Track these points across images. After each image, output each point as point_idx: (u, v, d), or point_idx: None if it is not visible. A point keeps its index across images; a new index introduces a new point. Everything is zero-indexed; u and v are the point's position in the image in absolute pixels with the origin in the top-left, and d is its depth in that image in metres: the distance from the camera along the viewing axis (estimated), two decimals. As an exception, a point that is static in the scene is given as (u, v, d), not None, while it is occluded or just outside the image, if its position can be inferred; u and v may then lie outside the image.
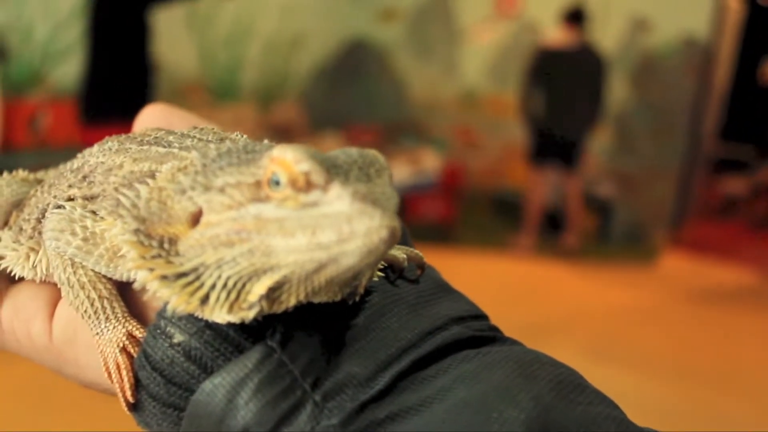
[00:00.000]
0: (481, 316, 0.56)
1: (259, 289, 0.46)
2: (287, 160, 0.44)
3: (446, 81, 8.59)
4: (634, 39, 7.25)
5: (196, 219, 0.49)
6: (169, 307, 0.48)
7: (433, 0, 8.57)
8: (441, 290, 0.57)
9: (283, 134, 7.59)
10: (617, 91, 6.93)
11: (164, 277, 0.48)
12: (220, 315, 0.46)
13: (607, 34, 6.60)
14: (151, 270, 0.48)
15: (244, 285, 0.46)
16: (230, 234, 0.46)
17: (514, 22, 8.07)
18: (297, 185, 0.44)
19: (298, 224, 0.44)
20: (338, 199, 0.43)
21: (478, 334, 0.53)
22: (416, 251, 0.60)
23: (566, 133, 6.08)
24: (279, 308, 0.47)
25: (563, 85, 5.99)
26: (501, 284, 5.43)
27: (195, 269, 0.47)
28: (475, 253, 6.25)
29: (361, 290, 0.50)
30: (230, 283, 0.46)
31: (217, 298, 0.46)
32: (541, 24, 7.70)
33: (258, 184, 0.46)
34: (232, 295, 0.46)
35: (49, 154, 5.40)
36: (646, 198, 7.19)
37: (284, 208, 0.45)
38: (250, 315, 0.46)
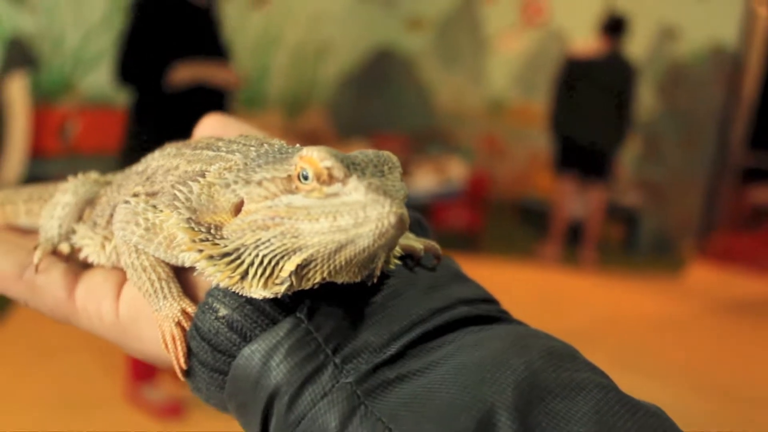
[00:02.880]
0: (491, 301, 0.63)
1: (289, 266, 0.54)
2: (313, 157, 0.53)
3: (472, 90, 8.60)
4: (663, 47, 7.22)
5: (237, 209, 0.57)
6: (215, 281, 0.57)
7: (460, 9, 8.59)
8: (455, 277, 0.64)
9: (310, 142, 7.55)
10: (645, 99, 6.90)
11: (211, 257, 0.57)
12: (256, 290, 0.55)
13: (635, 43, 6.57)
14: (201, 251, 0.58)
15: (277, 262, 0.55)
16: (266, 219, 0.54)
17: (540, 30, 8.07)
18: (321, 179, 0.53)
19: (321, 211, 0.52)
20: (355, 190, 0.52)
21: (484, 314, 0.59)
22: (433, 242, 0.66)
23: (594, 144, 6.03)
24: (306, 285, 0.55)
25: (593, 94, 5.93)
26: (527, 293, 5.41)
27: (237, 249, 0.56)
28: (501, 261, 6.24)
29: (378, 272, 0.57)
30: (266, 261, 0.55)
31: (255, 274, 0.55)
32: (568, 32, 7.69)
33: (289, 179, 0.54)
34: (267, 271, 0.55)
35: (79, 161, 5.45)
36: (673, 208, 7.15)
37: (310, 198, 0.53)
38: (281, 289, 0.55)
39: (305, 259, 0.53)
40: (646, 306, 5.55)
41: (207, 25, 3.48)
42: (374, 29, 8.80)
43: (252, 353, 0.55)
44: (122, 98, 6.10)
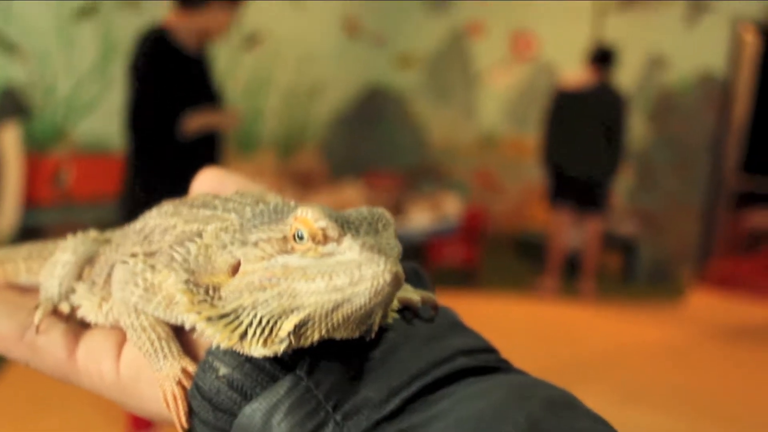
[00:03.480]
0: (491, 350, 0.62)
1: (287, 326, 0.54)
2: (308, 218, 0.54)
3: (465, 125, 8.65)
4: (652, 76, 7.28)
5: (235, 269, 0.58)
6: (214, 343, 0.57)
7: (449, 45, 8.66)
8: (454, 328, 0.63)
9: (304, 183, 7.64)
10: (637, 128, 6.94)
11: (209, 318, 0.58)
12: (256, 349, 0.55)
13: (624, 72, 6.62)
14: (199, 313, 0.58)
15: (275, 322, 0.55)
16: (263, 280, 0.55)
17: (530, 64, 8.14)
18: (316, 239, 0.53)
19: (317, 271, 0.53)
20: (350, 249, 0.52)
21: (483, 365, 0.59)
22: (431, 294, 0.66)
23: (588, 175, 6.04)
24: (305, 343, 0.55)
25: (583, 125, 5.95)
26: (527, 327, 5.39)
27: (235, 310, 0.57)
28: (500, 296, 6.22)
29: (375, 328, 0.57)
30: (264, 321, 0.55)
31: (254, 334, 0.55)
32: (557, 65, 7.75)
33: (285, 239, 0.55)
34: (266, 331, 0.55)
35: (73, 209, 5.45)
36: (670, 235, 7.15)
37: (306, 258, 0.54)
38: (280, 348, 0.55)
39: (303, 319, 0.54)
40: (648, 335, 5.53)
41: (202, 72, 3.60)
42: (365, 68, 8.86)
43: (253, 412, 0.55)
44: (116, 144, 6.12)
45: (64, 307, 0.73)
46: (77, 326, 0.72)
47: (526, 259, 7.34)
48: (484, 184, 8.55)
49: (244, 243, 0.57)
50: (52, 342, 0.69)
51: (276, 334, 0.55)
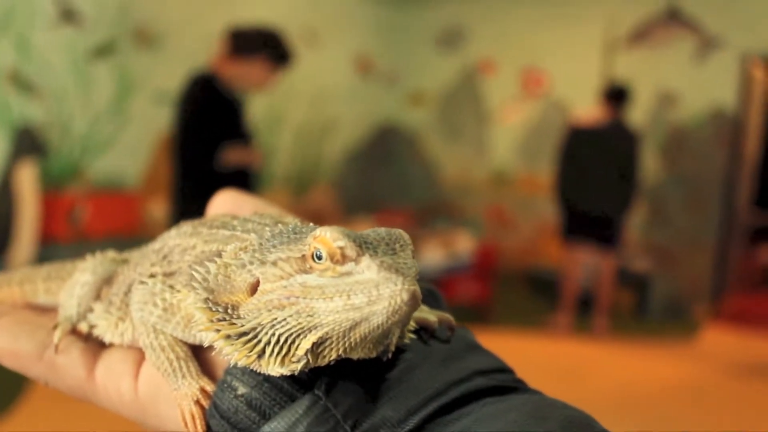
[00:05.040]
0: (507, 370, 0.63)
1: (305, 344, 0.54)
2: (327, 238, 0.54)
3: (477, 162, 8.67)
4: (662, 112, 7.30)
5: (254, 288, 0.58)
6: (232, 361, 0.57)
7: (461, 83, 8.72)
8: (470, 348, 0.64)
9: (316, 220, 7.63)
10: (648, 164, 6.95)
11: (228, 337, 0.57)
12: (273, 368, 0.55)
13: (635, 109, 6.64)
14: (218, 331, 0.58)
15: (293, 341, 0.55)
16: (281, 299, 0.55)
17: (541, 101, 8.17)
18: (335, 258, 0.53)
19: (335, 290, 0.53)
20: (368, 269, 0.52)
21: (500, 384, 0.59)
22: (447, 314, 0.67)
23: (602, 212, 6.03)
24: (322, 362, 0.55)
25: (597, 162, 5.94)
26: (540, 364, 5.36)
27: (253, 329, 0.56)
28: (513, 333, 6.20)
29: (392, 348, 0.58)
30: (282, 340, 0.55)
31: (272, 353, 0.55)
32: (568, 102, 7.79)
33: (303, 258, 0.55)
34: (284, 350, 0.55)
35: (89, 246, 5.48)
36: (683, 271, 7.12)
37: (325, 277, 0.54)
38: (298, 367, 0.55)
39: (321, 337, 0.54)
40: (661, 372, 5.48)
41: (240, 114, 3.95)
42: (377, 105, 8.93)
43: (272, 431, 0.55)
44: (131, 182, 6.17)
45: (83, 327, 0.74)
46: (96, 345, 0.73)
47: (538, 296, 7.32)
48: (496, 221, 8.56)
49: (263, 262, 0.57)
50: (71, 361, 0.70)
51: (294, 353, 0.55)
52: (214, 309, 0.59)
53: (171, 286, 0.66)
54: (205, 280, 0.61)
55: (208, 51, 4.12)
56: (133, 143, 6.19)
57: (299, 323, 0.54)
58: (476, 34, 8.63)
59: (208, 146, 3.72)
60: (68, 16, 5.77)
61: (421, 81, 8.97)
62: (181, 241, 0.71)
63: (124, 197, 6.04)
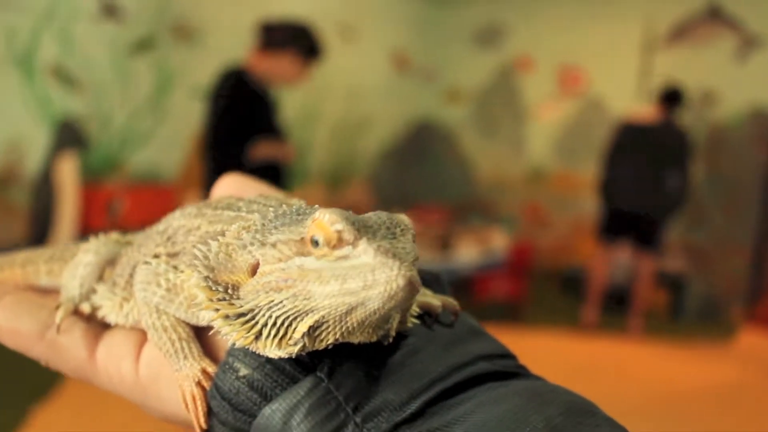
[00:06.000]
0: (509, 356, 0.63)
1: (302, 327, 0.54)
2: (324, 221, 0.53)
3: (513, 159, 8.64)
4: (702, 112, 7.22)
5: (254, 269, 0.57)
6: (230, 341, 0.57)
7: (498, 80, 8.69)
8: (473, 333, 0.64)
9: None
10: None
11: (227, 317, 0.57)
12: (270, 350, 0.55)
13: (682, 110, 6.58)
14: (217, 310, 0.57)
15: (290, 324, 0.55)
16: (279, 281, 0.55)
17: (578, 99, 8.12)
18: (332, 242, 0.53)
19: (332, 274, 0.52)
20: (364, 253, 0.52)
21: (502, 370, 0.59)
22: (451, 299, 0.67)
23: (645, 212, 5.96)
24: (320, 346, 0.55)
25: (645, 161, 5.86)
26: (572, 363, 5.33)
27: (252, 310, 0.56)
28: (545, 331, 6.17)
29: (393, 333, 0.57)
30: (279, 322, 0.55)
31: (268, 335, 0.55)
32: (606, 100, 7.73)
33: (303, 241, 0.54)
34: (281, 332, 0.55)
35: (126, 237, 5.55)
36: (720, 272, 7.05)
37: (322, 261, 0.53)
38: (295, 350, 0.55)
39: (317, 321, 0.53)
40: (696, 374, 5.43)
41: (270, 108, 3.98)
42: (414, 102, 8.92)
43: (273, 413, 0.55)
44: (168, 175, 6.24)
45: (85, 308, 0.74)
46: (98, 327, 0.73)
47: (572, 295, 7.27)
48: (531, 219, 8.52)
49: (263, 244, 0.57)
50: (72, 341, 0.70)
51: (290, 336, 0.54)
52: (214, 288, 0.58)
53: (174, 267, 0.65)
54: (206, 257, 0.60)
55: (245, 46, 4.14)
56: (170, 137, 6.26)
57: (295, 306, 0.54)
58: (514, 31, 8.59)
59: (239, 140, 3.75)
60: (110, 11, 5.86)
61: (458, 78, 8.96)
62: (185, 221, 0.71)
63: (161, 190, 6.11)
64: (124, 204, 5.68)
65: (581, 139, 7.78)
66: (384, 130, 8.72)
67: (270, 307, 0.55)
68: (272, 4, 6.52)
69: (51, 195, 5.12)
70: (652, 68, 7.36)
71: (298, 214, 0.59)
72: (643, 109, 6.29)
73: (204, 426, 0.60)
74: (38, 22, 5.48)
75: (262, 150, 3.78)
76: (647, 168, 5.85)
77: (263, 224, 0.59)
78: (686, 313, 6.89)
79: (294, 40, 3.88)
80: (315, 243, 0.53)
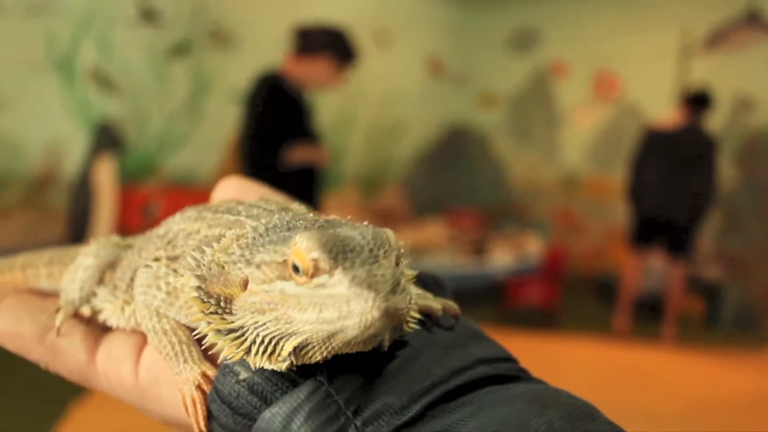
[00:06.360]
0: (510, 359, 0.62)
1: (288, 347, 0.54)
2: (301, 249, 0.52)
3: (547, 165, 8.61)
4: (738, 118, 7.15)
5: (246, 283, 0.57)
6: (221, 355, 0.57)
7: (532, 85, 8.67)
8: (473, 336, 0.63)
9: (386, 220, 7.70)
10: (723, 171, 6.81)
11: (218, 331, 0.57)
12: (261, 364, 0.55)
13: (711, 114, 6.53)
14: (209, 323, 0.58)
15: (277, 342, 0.54)
16: (263, 303, 0.55)
17: (613, 105, 8.07)
18: (309, 271, 0.52)
19: (310, 301, 0.52)
20: (339, 283, 0.51)
21: (503, 373, 0.59)
22: (452, 302, 0.66)
23: (674, 218, 5.91)
24: (309, 361, 0.55)
25: (671, 167, 5.82)
26: (605, 370, 5.30)
27: (241, 327, 0.56)
28: (579, 338, 6.14)
29: (386, 344, 0.56)
30: (266, 341, 0.55)
31: (257, 351, 0.55)
32: (642, 106, 7.69)
33: (285, 264, 0.54)
34: (269, 350, 0.55)
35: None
36: (756, 281, 6.96)
37: (302, 287, 0.53)
38: (284, 366, 0.55)
39: (300, 343, 0.53)
40: (733, 383, 5.36)
41: (305, 112, 4.00)
42: (448, 107, 8.93)
43: (273, 416, 0.54)
44: (203, 177, 6.30)
45: (85, 311, 0.74)
46: (98, 330, 0.73)
47: (606, 302, 7.22)
48: (565, 225, 8.49)
49: (249, 262, 0.56)
50: (72, 344, 0.70)
51: (279, 353, 0.54)
52: (205, 300, 0.58)
53: (175, 270, 0.65)
54: (199, 266, 0.60)
55: (281, 51, 4.18)
56: (206, 140, 6.33)
57: (278, 329, 0.54)
58: (549, 36, 8.57)
59: (274, 145, 3.76)
60: (148, 16, 5.93)
61: (492, 82, 8.95)
62: (185, 225, 0.71)
63: (197, 193, 6.16)
64: (160, 206, 5.74)
65: (616, 145, 7.73)
66: (418, 135, 8.73)
67: (256, 328, 0.55)
68: (308, 9, 6.56)
69: (89, 197, 5.18)
70: (689, 74, 7.30)
71: (289, 229, 0.59)
72: (668, 114, 6.25)
73: (204, 429, 0.60)
74: (78, 28, 5.57)
75: (298, 154, 3.80)
76: (673, 173, 5.81)
77: (254, 238, 0.59)
78: (722, 322, 6.81)
79: (329, 45, 3.90)
80: (295, 269, 0.53)
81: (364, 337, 0.52)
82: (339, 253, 0.52)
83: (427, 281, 0.69)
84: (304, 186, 3.93)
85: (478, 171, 8.98)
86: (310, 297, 0.52)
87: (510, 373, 0.59)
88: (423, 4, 8.56)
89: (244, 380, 0.57)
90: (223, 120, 6.14)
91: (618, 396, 4.80)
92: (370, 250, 0.53)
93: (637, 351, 5.95)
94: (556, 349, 5.77)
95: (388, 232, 0.56)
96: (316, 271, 0.52)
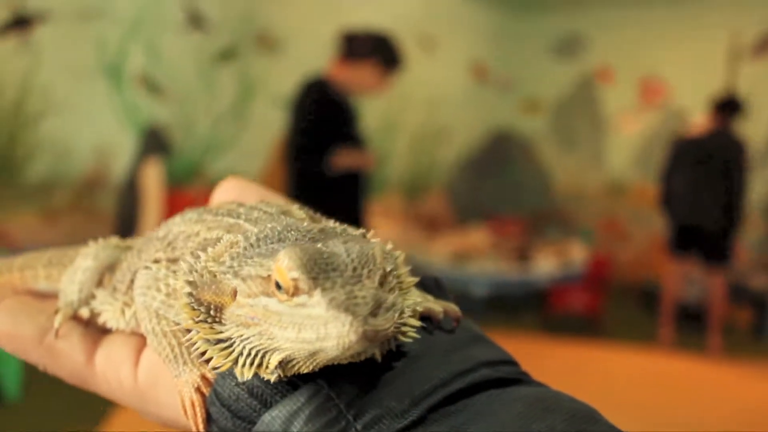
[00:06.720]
0: (512, 362, 0.61)
1: (273, 362, 0.53)
2: (282, 267, 0.52)
3: (591, 171, 8.55)
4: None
5: (236, 294, 0.56)
6: (210, 364, 0.57)
7: (577, 90, 8.62)
8: (475, 339, 0.63)
9: (429, 225, 7.71)
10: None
11: (207, 340, 0.57)
12: (248, 376, 0.54)
13: (757, 121, 6.43)
14: (198, 332, 0.57)
15: (263, 356, 0.54)
16: (247, 318, 0.54)
17: (660, 111, 7.99)
18: (289, 290, 0.52)
19: (290, 320, 0.51)
20: (317, 305, 0.50)
21: (505, 376, 0.58)
22: (453, 305, 0.65)
23: (708, 225, 5.84)
24: (299, 372, 0.54)
25: (700, 173, 5.76)
26: (649, 380, 5.24)
27: (229, 338, 0.56)
28: (622, 346, 6.08)
29: (379, 357, 0.56)
30: (252, 353, 0.54)
31: (243, 363, 0.54)
32: (689, 112, 7.60)
33: (269, 279, 0.53)
34: (256, 362, 0.54)
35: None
36: (805, 290, 6.84)
37: (283, 305, 0.52)
38: (272, 377, 0.54)
39: (285, 358, 0.53)
40: (780, 396, 5.27)
41: (351, 117, 4.03)
42: (492, 112, 8.91)
43: (272, 419, 0.54)
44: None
45: (84, 313, 0.74)
46: (96, 332, 0.72)
47: (650, 310, 7.15)
48: (610, 232, 8.42)
49: (236, 274, 0.56)
50: (70, 346, 0.70)
51: (266, 365, 0.54)
52: (196, 307, 0.57)
53: (174, 272, 0.64)
54: (191, 272, 0.59)
55: (326, 56, 4.21)
56: (251, 145, 6.38)
57: (261, 344, 0.53)
58: (594, 41, 8.52)
59: (320, 150, 3.78)
60: (196, 21, 6.01)
61: (536, 88, 8.91)
62: (185, 227, 0.70)
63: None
64: (206, 209, 5.79)
65: (662, 151, 7.66)
66: (462, 141, 8.72)
67: (242, 340, 0.55)
68: (353, 15, 6.59)
69: (136, 199, 5.25)
70: (737, 80, 7.20)
71: (279, 240, 0.58)
72: (698, 120, 6.18)
73: None
74: (127, 33, 5.66)
75: (344, 159, 3.81)
76: (703, 179, 5.75)
77: (245, 248, 0.58)
78: (769, 332, 6.71)
79: (375, 51, 3.91)
80: (278, 286, 0.52)
81: (346, 357, 0.52)
82: (320, 272, 0.52)
83: (428, 283, 0.68)
84: (349, 191, 3.95)
85: (522, 177, 8.95)
86: (290, 316, 0.52)
87: (512, 376, 0.59)
88: (468, 10, 8.55)
89: (243, 383, 0.56)
90: (268, 125, 6.18)
91: (662, 406, 4.74)
92: (354, 269, 0.52)
93: (682, 361, 5.88)
94: (599, 357, 5.73)
95: (375, 249, 0.55)
96: (296, 290, 0.52)
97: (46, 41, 5.26)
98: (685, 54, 7.73)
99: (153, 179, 5.29)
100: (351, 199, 3.99)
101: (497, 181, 8.86)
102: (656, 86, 8.00)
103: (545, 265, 6.51)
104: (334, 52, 4.00)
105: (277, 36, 6.58)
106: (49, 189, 5.42)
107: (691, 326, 6.40)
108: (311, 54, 6.02)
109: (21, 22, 5.19)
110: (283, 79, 6.07)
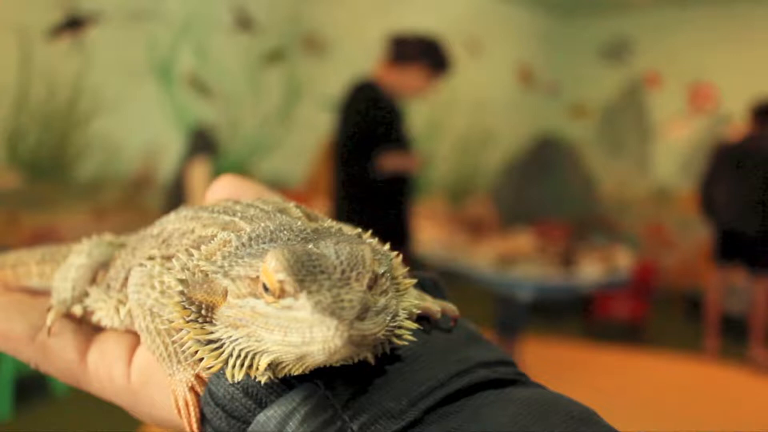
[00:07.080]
0: (509, 363, 0.61)
1: (262, 364, 0.52)
2: (269, 269, 0.51)
3: (638, 177, 8.47)
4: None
5: (227, 294, 0.55)
6: (201, 364, 0.56)
7: (625, 96, 8.54)
8: (472, 339, 0.62)
9: (473, 229, 7.68)
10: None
11: (198, 340, 0.56)
12: (239, 377, 0.54)
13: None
14: (188, 331, 0.56)
15: (252, 358, 0.53)
16: (236, 319, 0.53)
17: (709, 117, 7.89)
18: (276, 292, 0.51)
19: (276, 323, 0.51)
20: (303, 308, 0.49)
21: (502, 377, 0.57)
22: (450, 305, 0.65)
23: (751, 231, 5.74)
24: (289, 374, 0.53)
25: (738, 180, 5.69)
26: (692, 390, 5.17)
27: (219, 339, 0.55)
28: (666, 355, 6.01)
29: (371, 360, 0.55)
30: (241, 355, 0.53)
31: (233, 365, 0.54)
32: (738, 118, 7.50)
33: (257, 280, 0.52)
34: (246, 363, 0.53)
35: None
36: None
37: (270, 307, 0.51)
38: (263, 379, 0.53)
39: (272, 360, 0.52)
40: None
41: (399, 120, 4.03)
42: (537, 117, 8.87)
43: (267, 419, 0.53)
44: (293, 182, 6.40)
45: (77, 310, 0.73)
46: (89, 330, 0.71)
47: (694, 318, 7.06)
48: (655, 239, 8.32)
49: (226, 275, 0.55)
50: (63, 344, 0.69)
51: (256, 367, 0.53)
52: (186, 306, 0.56)
53: (169, 269, 0.63)
54: (183, 270, 0.59)
55: (373, 58, 4.22)
56: (297, 146, 6.42)
57: (249, 346, 0.53)
58: (642, 46, 8.44)
59: (368, 152, 3.79)
60: (244, 23, 6.07)
61: (583, 93, 8.85)
62: (180, 225, 0.69)
63: (287, 197, 6.26)
64: (251, 210, 5.84)
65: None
66: (507, 145, 8.69)
67: (231, 341, 0.54)
68: (401, 18, 6.61)
69: (183, 198, 5.30)
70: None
71: (271, 240, 0.57)
72: (737, 126, 6.09)
73: None
74: (177, 34, 5.73)
75: (391, 161, 3.82)
76: (742, 186, 5.67)
77: (236, 247, 0.57)
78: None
79: (423, 54, 3.92)
80: (265, 287, 0.52)
81: (334, 361, 0.51)
82: (307, 274, 0.51)
83: (425, 283, 0.68)
84: (395, 193, 3.96)
85: (567, 182, 8.88)
86: (277, 318, 0.51)
87: (509, 377, 0.58)
88: (515, 14, 8.52)
89: (238, 382, 0.55)
90: (315, 126, 6.22)
91: (703, 415, 4.68)
92: (342, 272, 0.52)
93: (724, 372, 5.79)
94: (643, 365, 5.66)
95: (365, 252, 0.54)
96: (282, 293, 0.51)
97: (97, 42, 5.34)
98: (734, 58, 7.62)
99: (199, 179, 5.34)
100: (397, 202, 4.00)
101: (542, 185, 8.80)
102: (705, 91, 7.90)
103: (590, 271, 6.45)
104: (382, 55, 4.01)
105: (325, 38, 6.62)
106: (98, 187, 5.50)
107: (735, 336, 6.30)
108: (358, 56, 6.04)
109: (74, 24, 5.28)
110: (329, 81, 6.11)
